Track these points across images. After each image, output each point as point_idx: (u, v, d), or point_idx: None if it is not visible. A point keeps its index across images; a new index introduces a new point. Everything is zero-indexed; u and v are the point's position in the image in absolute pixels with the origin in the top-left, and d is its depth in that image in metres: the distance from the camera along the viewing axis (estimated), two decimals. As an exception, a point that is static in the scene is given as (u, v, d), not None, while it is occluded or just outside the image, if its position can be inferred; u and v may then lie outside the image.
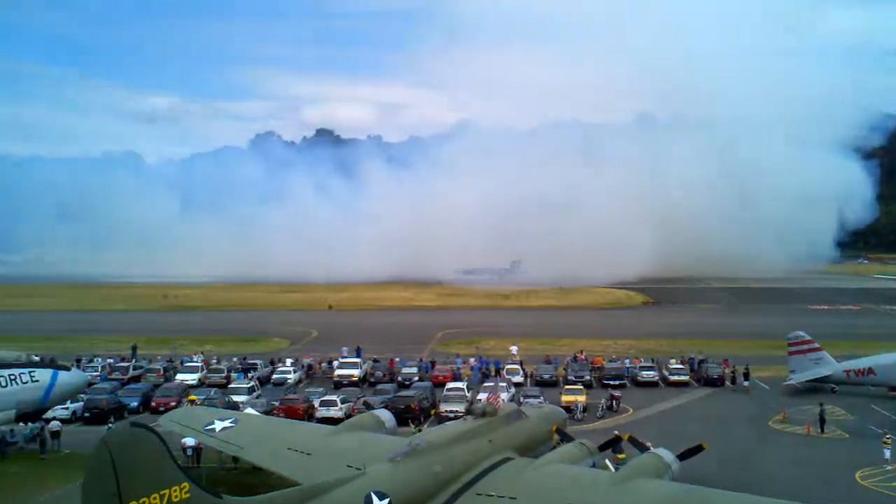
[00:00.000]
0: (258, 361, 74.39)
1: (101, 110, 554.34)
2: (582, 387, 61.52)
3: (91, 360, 74.29)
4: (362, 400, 55.81)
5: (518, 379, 66.64)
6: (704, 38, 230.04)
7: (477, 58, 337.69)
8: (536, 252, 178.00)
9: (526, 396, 56.18)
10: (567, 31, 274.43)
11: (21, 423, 46.13)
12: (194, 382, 65.75)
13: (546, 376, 68.68)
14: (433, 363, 74.74)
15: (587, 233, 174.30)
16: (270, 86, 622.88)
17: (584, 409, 55.66)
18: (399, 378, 67.27)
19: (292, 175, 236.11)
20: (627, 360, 74.40)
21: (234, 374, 68.45)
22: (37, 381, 44.73)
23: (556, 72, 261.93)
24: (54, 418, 48.72)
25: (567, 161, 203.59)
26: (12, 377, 43.56)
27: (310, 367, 74.20)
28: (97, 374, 67.71)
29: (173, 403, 54.89)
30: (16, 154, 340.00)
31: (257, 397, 58.47)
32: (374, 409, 44.42)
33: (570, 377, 66.72)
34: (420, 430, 42.33)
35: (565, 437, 36.01)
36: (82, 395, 54.13)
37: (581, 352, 79.48)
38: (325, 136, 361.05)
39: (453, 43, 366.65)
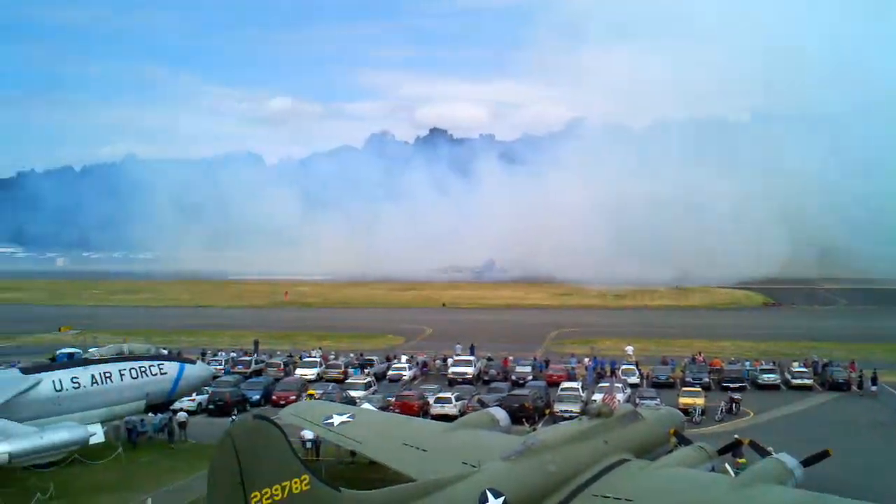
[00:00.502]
0: (374, 357, 75.54)
1: (224, 113, 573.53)
2: (700, 389, 60.17)
3: (215, 354, 76.78)
4: (476, 398, 55.92)
5: (634, 380, 65.61)
6: (819, 31, 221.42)
7: (591, 55, 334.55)
8: (651, 251, 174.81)
9: (642, 398, 55.26)
10: (680, 27, 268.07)
11: (150, 414, 48.05)
12: (313, 377, 67.23)
13: (662, 378, 67.44)
14: (547, 362, 74.33)
15: (703, 232, 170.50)
16: (385, 86, 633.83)
17: (703, 412, 54.41)
18: (513, 377, 67.14)
19: (407, 174, 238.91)
20: (747, 363, 72.34)
21: (351, 370, 69.68)
22: (165, 373, 46.46)
23: (670, 68, 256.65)
24: (181, 409, 50.59)
25: (682, 159, 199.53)
26: (142, 369, 45.41)
27: (424, 364, 74.85)
28: (221, 367, 69.81)
29: (293, 397, 56.19)
30: (143, 155, 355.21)
31: (373, 393, 59.31)
32: (488, 407, 44.51)
33: (688, 379, 65.30)
34: (534, 430, 42.19)
35: (683, 440, 35.31)
36: (207, 388, 55.91)
37: (699, 353, 77.70)
38: (439, 135, 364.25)
39: (567, 40, 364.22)
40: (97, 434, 41.02)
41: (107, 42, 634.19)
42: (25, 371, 44.20)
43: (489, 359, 74.65)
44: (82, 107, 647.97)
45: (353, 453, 39.77)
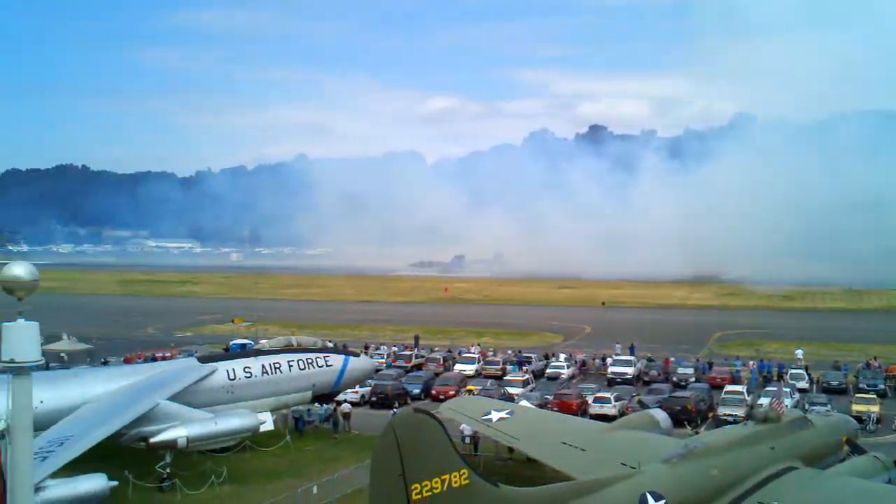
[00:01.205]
0: (532, 355, 75.47)
1: (388, 113, 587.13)
2: (875, 396, 57.03)
3: (378, 348, 78.77)
4: (637, 398, 55.03)
5: (803, 385, 62.79)
6: None
7: (757, 47, 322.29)
8: (823, 251, 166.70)
9: (812, 404, 52.84)
10: (856, 14, 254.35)
11: (316, 404, 49.77)
12: (471, 373, 67.82)
13: (834, 383, 64.25)
14: (710, 364, 72.22)
15: (882, 232, 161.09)
16: (544, 84, 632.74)
17: (878, 421, 51.53)
18: (674, 378, 65.64)
19: (568, 171, 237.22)
20: (930, 370, 67.89)
21: (509, 367, 69.90)
22: (330, 365, 47.95)
23: (845, 59, 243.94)
24: (346, 401, 52.17)
25: (860, 154, 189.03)
26: (309, 361, 47.03)
27: (583, 363, 74.21)
28: (383, 361, 71.52)
29: (452, 392, 56.92)
30: (312, 154, 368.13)
31: (531, 390, 59.25)
32: (648, 408, 43.71)
33: (862, 385, 62.01)
34: (697, 433, 41.12)
35: (856, 449, 33.57)
36: (370, 381, 57.41)
37: (874, 358, 73.58)
38: (599, 132, 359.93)
39: (731, 32, 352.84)
40: (267, 422, 42.76)
41: (277, 46, 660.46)
42: (202, 360, 46.68)
43: (649, 359, 73.21)
44: (256, 109, 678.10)
45: (510, 450, 39.91)
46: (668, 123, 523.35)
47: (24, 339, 16.98)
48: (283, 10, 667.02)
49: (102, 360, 68.61)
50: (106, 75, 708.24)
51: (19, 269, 17.41)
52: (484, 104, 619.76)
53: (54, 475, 28.91)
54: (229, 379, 43.35)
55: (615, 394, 56.01)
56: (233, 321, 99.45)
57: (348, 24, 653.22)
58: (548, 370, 69.66)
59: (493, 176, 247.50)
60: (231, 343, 76.44)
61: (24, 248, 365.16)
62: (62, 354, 64.77)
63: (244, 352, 54.35)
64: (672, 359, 72.89)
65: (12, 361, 16.80)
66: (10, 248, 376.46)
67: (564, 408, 51.58)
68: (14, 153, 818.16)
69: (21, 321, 17.07)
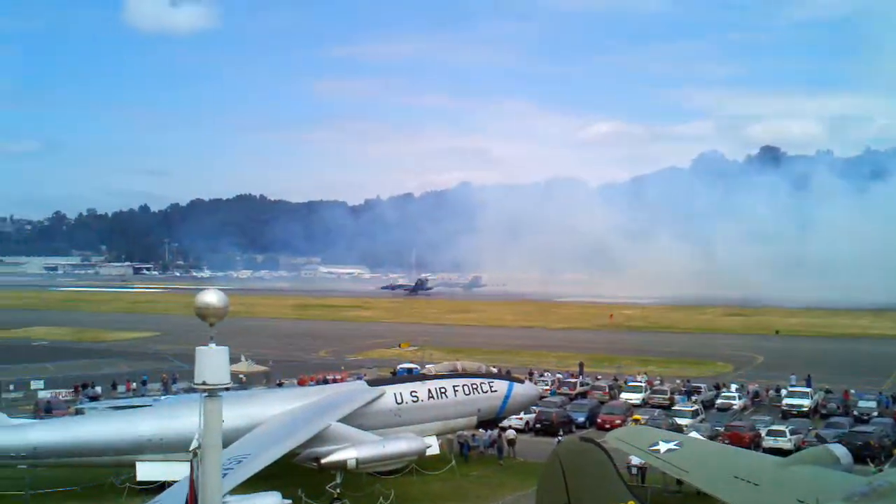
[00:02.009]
0: (702, 385, 73.29)
1: (549, 138, 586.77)
2: None
3: (542, 375, 78.50)
4: (814, 432, 52.50)
5: None
6: None
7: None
8: None
9: None
10: None
11: (481, 430, 50.09)
12: (638, 402, 66.58)
13: None
14: (895, 397, 68.00)
15: None
16: (710, 105, 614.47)
17: None
18: (855, 411, 62.16)
19: (739, 194, 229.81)
20: None
21: (677, 397, 68.18)
22: (495, 391, 48.16)
23: None
24: (510, 427, 52.26)
25: None
26: (474, 386, 47.45)
27: (756, 394, 71.49)
28: (547, 388, 71.24)
29: (618, 421, 56.00)
30: (476, 181, 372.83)
31: (701, 421, 57.60)
32: (826, 442, 41.60)
33: None
34: (881, 470, 38.78)
35: None
36: (534, 407, 57.29)
37: None
38: (771, 153, 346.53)
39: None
40: (433, 446, 43.37)
41: (440, 75, 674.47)
42: (371, 383, 47.95)
43: (827, 391, 69.71)
44: (421, 137, 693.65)
45: (679, 482, 38.87)
46: (845, 143, 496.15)
47: (215, 362, 17.98)
48: (443, 40, 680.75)
49: (278, 382, 71.63)
50: (279, 109, 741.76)
51: (211, 297, 18.49)
52: (647, 126, 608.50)
53: (232, 492, 30.29)
54: (397, 402, 44.27)
55: (790, 427, 53.63)
56: (399, 345, 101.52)
57: (508, 51, 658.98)
58: (718, 401, 67.43)
59: (660, 199, 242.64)
60: (398, 367, 78.08)
61: (207, 273, 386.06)
62: (241, 376, 67.85)
63: (411, 376, 55.42)
64: (852, 391, 69.10)
65: (204, 384, 17.82)
66: (195, 273, 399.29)
67: (736, 440, 49.84)
68: (199, 184, 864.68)
69: (213, 346, 18.09)
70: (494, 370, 56.69)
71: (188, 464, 38.06)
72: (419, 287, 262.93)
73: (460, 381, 47.19)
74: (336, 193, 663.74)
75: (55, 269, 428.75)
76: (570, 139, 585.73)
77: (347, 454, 38.16)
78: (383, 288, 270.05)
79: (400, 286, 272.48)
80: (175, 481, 33.51)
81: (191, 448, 17.77)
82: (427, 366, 61.50)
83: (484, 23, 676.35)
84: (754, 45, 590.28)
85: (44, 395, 67.40)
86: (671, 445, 37.44)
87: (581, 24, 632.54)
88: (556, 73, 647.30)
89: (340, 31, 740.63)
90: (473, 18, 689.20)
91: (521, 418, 55.52)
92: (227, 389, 18.88)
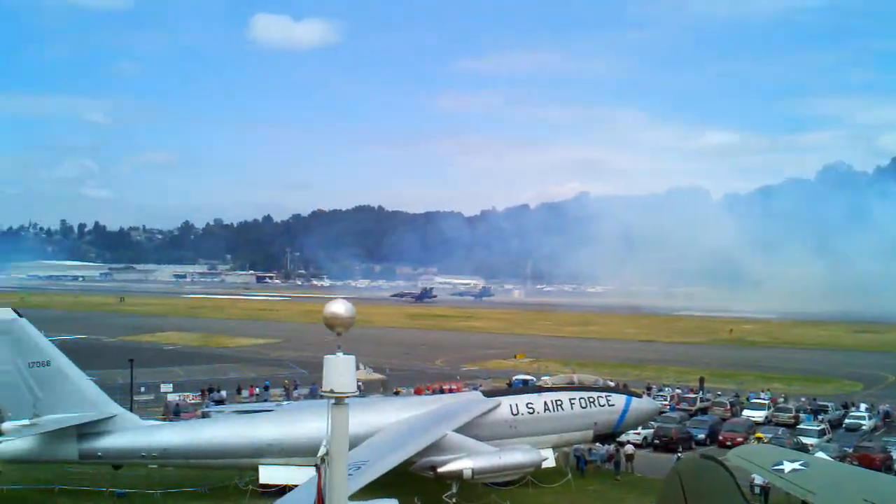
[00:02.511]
0: (829, 404, 70.61)
1: (669, 149, 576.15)
2: None
3: (660, 390, 77.08)
4: (951, 456, 49.96)
5: None
6: None
7: None
8: None
9: None
10: None
11: (598, 444, 49.54)
12: (761, 420, 64.68)
13: None
14: None
15: None
16: (836, 115, 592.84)
17: None
18: None
19: (867, 207, 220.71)
20: None
21: (802, 415, 65.93)
22: (612, 405, 47.53)
23: None
24: (628, 442, 51.53)
25: None
26: (591, 399, 46.95)
27: (887, 414, 68.46)
28: (666, 403, 69.86)
29: (740, 439, 54.59)
30: (594, 192, 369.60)
31: (828, 441, 55.54)
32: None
33: None
34: None
35: None
36: (652, 423, 56.34)
37: None
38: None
39: None
40: (549, 459, 43.17)
41: (554, 86, 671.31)
42: (486, 394, 48.09)
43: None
44: (537, 148, 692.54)
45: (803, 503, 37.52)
46: None
47: (342, 371, 18.37)
48: (556, 50, 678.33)
49: (394, 391, 72.57)
50: (399, 122, 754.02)
51: (339, 307, 18.92)
52: (769, 137, 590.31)
53: (351, 498, 30.77)
54: (512, 414, 44.25)
55: (926, 450, 51.15)
56: (515, 356, 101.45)
57: (625, 60, 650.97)
58: (846, 420, 64.92)
59: (786, 211, 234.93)
60: (514, 378, 78.00)
61: (327, 282, 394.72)
62: (359, 383, 69.02)
63: (527, 387, 55.39)
64: None
65: (332, 392, 18.25)
66: (315, 282, 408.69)
67: (866, 462, 47.76)
68: (319, 196, 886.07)
69: (340, 354, 18.51)
70: (612, 384, 55.99)
71: (308, 468, 39.18)
72: (425, 295, 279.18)
73: (577, 394, 46.77)
74: (453, 204, 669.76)
75: (183, 276, 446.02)
76: (690, 149, 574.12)
77: (463, 464, 38.41)
78: (393, 296, 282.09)
79: (408, 294, 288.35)
80: (295, 485, 34.43)
81: (318, 454, 18.19)
82: (543, 377, 61.28)
83: (602, 33, 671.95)
84: (882, 52, 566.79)
85: (172, 398, 70.10)
86: (797, 465, 36.07)
87: (701, 33, 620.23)
88: (673, 81, 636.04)
89: (461, 45, 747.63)
90: (592, 28, 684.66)
91: (638, 433, 54.74)
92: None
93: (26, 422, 39.35)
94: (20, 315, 40.58)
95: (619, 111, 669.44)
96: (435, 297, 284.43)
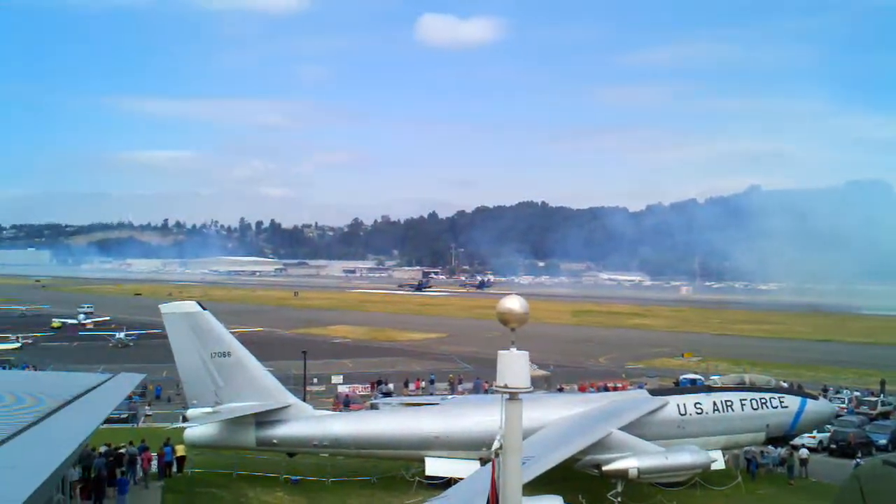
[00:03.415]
0: None
1: (849, 140, 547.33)
2: None
3: (838, 392, 73.56)
4: None
5: None
6: None
7: None
8: None
9: None
10: None
11: (770, 447, 47.77)
12: (950, 427, 60.60)
13: None
14: None
15: None
16: None
17: None
18: None
19: None
20: None
21: None
22: (786, 407, 45.65)
23: None
24: (803, 446, 49.47)
25: None
26: (763, 401, 45.25)
27: None
28: (844, 406, 66.60)
29: (926, 446, 51.51)
30: (766, 186, 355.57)
31: None
32: None
33: None
34: None
35: None
36: (828, 426, 53.90)
37: None
38: None
39: None
40: (718, 461, 41.97)
41: (723, 76, 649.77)
42: (653, 393, 47.27)
43: None
44: (704, 141, 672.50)
45: None
46: None
47: (516, 366, 18.62)
48: (726, 40, 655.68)
49: (558, 387, 72.42)
50: (562, 117, 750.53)
51: (513, 303, 19.18)
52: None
53: (516, 493, 30.99)
54: (680, 414, 43.29)
55: None
56: (682, 355, 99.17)
57: (800, 48, 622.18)
58: None
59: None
60: (681, 377, 76.36)
61: (491, 278, 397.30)
62: (524, 379, 69.14)
63: (695, 387, 54.06)
64: None
65: (506, 387, 18.51)
66: (479, 278, 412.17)
67: None
68: (483, 192, 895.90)
69: (514, 350, 18.76)
70: (785, 384, 53.84)
71: (472, 461, 39.72)
72: (422, 285, 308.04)
73: (748, 395, 45.18)
74: (618, 199, 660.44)
75: (353, 271, 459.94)
76: (869, 140, 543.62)
77: (629, 463, 37.95)
78: (399, 287, 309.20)
79: (407, 284, 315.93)
80: (460, 478, 34.97)
81: (492, 448, 18.49)
82: (712, 377, 59.64)
83: (777, 19, 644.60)
84: None
85: (343, 389, 72.61)
86: None
87: (886, 16, 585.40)
88: (854, 69, 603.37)
89: (627, 37, 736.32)
90: (765, 15, 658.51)
91: (813, 437, 52.50)
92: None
93: (209, 409, 41.79)
94: (203, 308, 43.07)
95: (794, 101, 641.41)
96: (430, 287, 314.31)
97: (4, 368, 77.56)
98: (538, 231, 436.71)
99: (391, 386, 73.84)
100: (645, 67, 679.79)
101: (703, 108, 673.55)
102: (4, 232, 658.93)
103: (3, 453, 21.22)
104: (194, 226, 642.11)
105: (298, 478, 43.41)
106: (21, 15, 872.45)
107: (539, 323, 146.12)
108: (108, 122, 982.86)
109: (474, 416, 41.83)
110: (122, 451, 42.83)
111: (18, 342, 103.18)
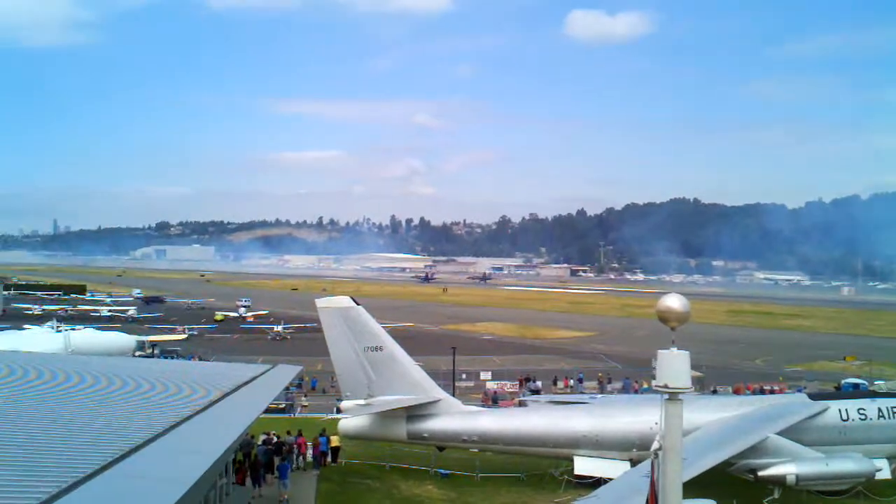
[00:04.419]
0: None
1: None
2: None
3: None
4: None
5: None
6: None
7: None
8: None
9: None
10: None
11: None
12: None
13: None
14: None
15: None
16: None
17: None
18: None
19: None
20: None
21: None
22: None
23: None
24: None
25: None
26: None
27: None
28: None
29: None
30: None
31: None
32: None
33: None
34: None
35: None
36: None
37: None
38: None
39: None
40: (883, 470, 39.99)
41: (890, 65, 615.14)
42: (812, 397, 45.44)
43: None
44: (869, 135, 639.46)
45: None
46: None
47: (676, 366, 18.38)
48: (883, 26, 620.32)
49: (712, 389, 70.60)
50: (714, 111, 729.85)
51: (673, 301, 18.95)
52: None
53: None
54: (842, 419, 41.48)
55: None
56: (845, 358, 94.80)
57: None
58: None
59: None
60: (843, 381, 73.03)
61: (640, 276, 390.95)
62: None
63: (857, 392, 51.77)
64: None
65: (666, 386, 18.31)
66: (628, 276, 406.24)
67: None
68: (633, 189, 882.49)
69: (674, 349, 18.53)
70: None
71: (621, 462, 39.32)
72: (429, 277, 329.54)
73: (917, 402, 42.81)
74: (774, 196, 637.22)
75: (501, 269, 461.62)
76: None
77: (787, 469, 36.74)
78: (413, 278, 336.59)
79: (415, 277, 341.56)
80: (609, 478, 34.70)
81: (651, 449, 18.35)
82: (876, 382, 56.84)
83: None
84: None
85: (491, 385, 73.08)
86: None
87: None
88: None
89: (781, 28, 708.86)
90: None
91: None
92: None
93: (362, 401, 42.99)
94: (357, 303, 44.34)
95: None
96: (434, 278, 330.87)
97: (173, 358, 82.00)
98: (690, 228, 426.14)
99: (539, 383, 73.74)
100: (799, 58, 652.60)
101: (867, 99, 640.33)
102: (173, 228, 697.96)
103: (175, 437, 22.53)
104: (347, 223, 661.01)
105: (448, 472, 44.04)
106: (183, 23, 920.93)
107: (691, 322, 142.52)
108: (263, 123, 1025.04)
109: (624, 417, 41.35)
110: (280, 439, 44.77)
111: (185, 333, 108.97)
